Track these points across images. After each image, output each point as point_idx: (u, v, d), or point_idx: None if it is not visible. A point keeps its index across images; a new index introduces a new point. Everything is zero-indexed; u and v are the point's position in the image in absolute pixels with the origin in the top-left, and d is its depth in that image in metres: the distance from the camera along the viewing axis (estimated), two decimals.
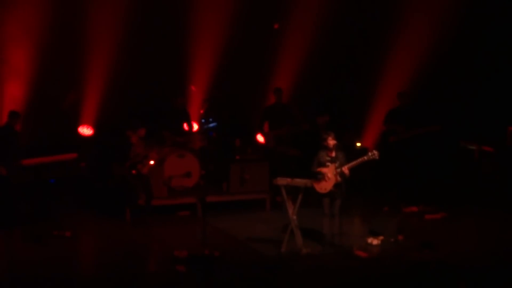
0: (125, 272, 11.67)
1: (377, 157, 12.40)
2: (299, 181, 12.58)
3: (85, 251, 13.66)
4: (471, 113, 17.60)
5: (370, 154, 12.43)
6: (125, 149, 14.48)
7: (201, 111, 17.33)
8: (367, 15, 18.46)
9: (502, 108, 17.18)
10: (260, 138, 17.31)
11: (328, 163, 12.50)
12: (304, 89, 18.53)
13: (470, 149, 16.59)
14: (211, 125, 16.95)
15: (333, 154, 12.57)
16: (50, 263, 12.07)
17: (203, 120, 17.04)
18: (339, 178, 12.45)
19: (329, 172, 12.45)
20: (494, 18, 17.74)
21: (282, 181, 12.70)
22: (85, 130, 17.41)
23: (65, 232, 13.55)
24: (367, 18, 18.47)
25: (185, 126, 16.73)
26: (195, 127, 17.11)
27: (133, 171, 14.35)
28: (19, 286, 10.93)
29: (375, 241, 12.99)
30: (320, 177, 12.45)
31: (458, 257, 11.65)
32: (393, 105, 17.21)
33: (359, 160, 12.40)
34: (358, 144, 17.98)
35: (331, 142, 12.56)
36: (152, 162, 14.54)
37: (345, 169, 12.36)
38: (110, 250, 13.10)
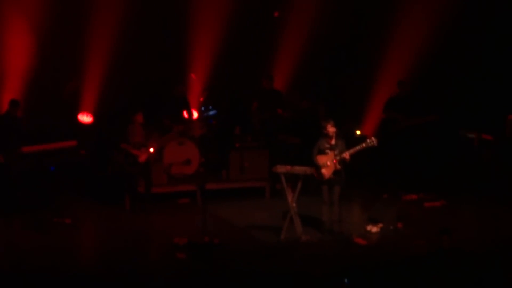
0: (125, 259, 11.71)
1: (376, 144, 12.45)
2: (299, 169, 12.60)
3: (85, 238, 13.67)
4: (471, 102, 17.60)
5: (368, 141, 12.48)
6: (123, 136, 14.47)
7: (201, 99, 17.32)
8: (368, 3, 18.44)
9: (501, 96, 17.18)
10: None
11: (328, 151, 12.53)
12: (304, 76, 18.52)
13: (469, 138, 16.60)
14: (211, 113, 16.95)
15: (333, 142, 12.60)
16: (50, 250, 12.11)
17: (203, 108, 17.03)
18: (338, 166, 12.47)
19: (329, 159, 12.47)
20: (494, 8, 17.72)
21: (281, 168, 12.72)
22: (85, 118, 17.40)
23: (65, 219, 13.59)
24: (368, 6, 18.45)
25: (185, 114, 16.73)
26: (195, 115, 17.11)
27: (129, 159, 14.34)
28: (19, 273, 10.95)
29: (374, 229, 13.02)
30: (321, 170, 12.48)
31: (457, 244, 11.66)
32: (393, 93, 17.21)
33: (358, 147, 12.44)
34: (358, 132, 17.98)
35: (331, 129, 12.58)
36: (151, 150, 14.54)
37: (346, 154, 12.39)
38: (110, 238, 13.13)
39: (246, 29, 18.10)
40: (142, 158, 14.38)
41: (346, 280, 10.40)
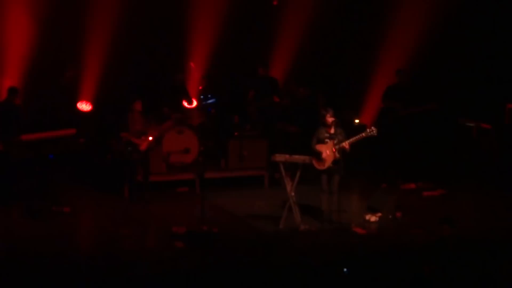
0: (123, 248, 11.72)
1: (376, 134, 12.44)
2: (298, 158, 12.60)
3: (84, 226, 13.69)
4: (470, 90, 17.59)
5: (368, 130, 12.46)
6: (123, 125, 14.45)
7: (200, 88, 17.31)
8: None
9: (500, 85, 17.18)
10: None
11: (327, 140, 12.52)
12: (303, 65, 18.51)
13: (468, 126, 16.61)
14: (210, 101, 16.94)
15: (332, 131, 12.59)
16: (49, 238, 12.10)
17: (202, 97, 17.02)
18: (337, 155, 12.47)
19: (328, 148, 12.46)
20: None
21: (280, 157, 12.71)
22: (84, 106, 17.38)
23: (63, 208, 13.58)
24: None
25: (184, 102, 16.71)
26: (194, 103, 17.09)
27: (129, 148, 14.33)
28: (18, 261, 10.95)
29: (373, 218, 13.04)
30: (320, 158, 12.47)
31: (457, 233, 11.68)
32: (392, 82, 17.20)
33: (358, 136, 12.43)
34: (357, 121, 17.99)
35: (330, 119, 12.58)
36: (150, 138, 14.53)
37: (346, 144, 12.38)
38: (108, 226, 13.12)
39: (245, 17, 18.08)
40: (143, 146, 14.38)
41: (345, 269, 10.42)
